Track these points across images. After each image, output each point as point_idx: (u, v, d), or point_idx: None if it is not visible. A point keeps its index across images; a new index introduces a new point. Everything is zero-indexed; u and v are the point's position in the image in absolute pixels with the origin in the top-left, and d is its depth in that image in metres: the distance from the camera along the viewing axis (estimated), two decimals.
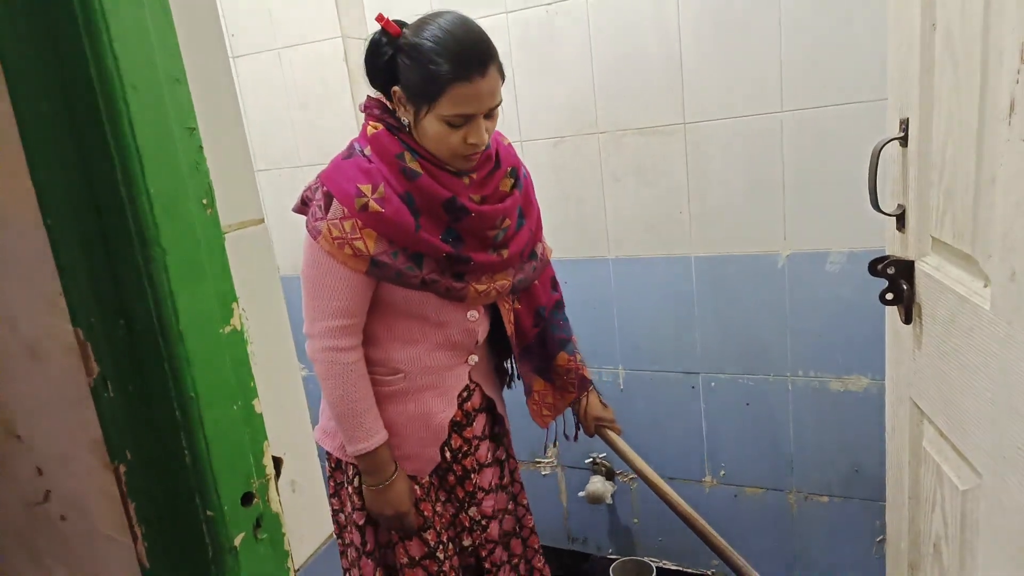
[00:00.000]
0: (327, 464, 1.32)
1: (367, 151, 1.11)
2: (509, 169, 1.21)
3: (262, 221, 0.65)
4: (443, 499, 1.27)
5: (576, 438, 1.48)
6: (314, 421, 2.15)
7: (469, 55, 1.03)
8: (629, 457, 1.42)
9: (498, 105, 1.10)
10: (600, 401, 1.43)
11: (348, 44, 1.78)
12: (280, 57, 1.85)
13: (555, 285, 1.40)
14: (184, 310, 0.52)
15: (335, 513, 1.33)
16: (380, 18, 1.08)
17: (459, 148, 1.08)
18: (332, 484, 1.32)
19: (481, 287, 1.17)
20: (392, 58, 1.07)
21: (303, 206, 1.15)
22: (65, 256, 0.51)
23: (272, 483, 0.61)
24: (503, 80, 1.10)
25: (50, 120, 0.49)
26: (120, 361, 0.52)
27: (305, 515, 0.68)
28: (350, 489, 1.25)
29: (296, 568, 0.65)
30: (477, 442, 1.29)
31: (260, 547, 0.58)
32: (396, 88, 1.09)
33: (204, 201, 0.55)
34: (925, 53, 0.81)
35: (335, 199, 1.08)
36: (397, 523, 1.20)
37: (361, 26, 1.83)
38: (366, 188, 1.07)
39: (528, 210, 1.26)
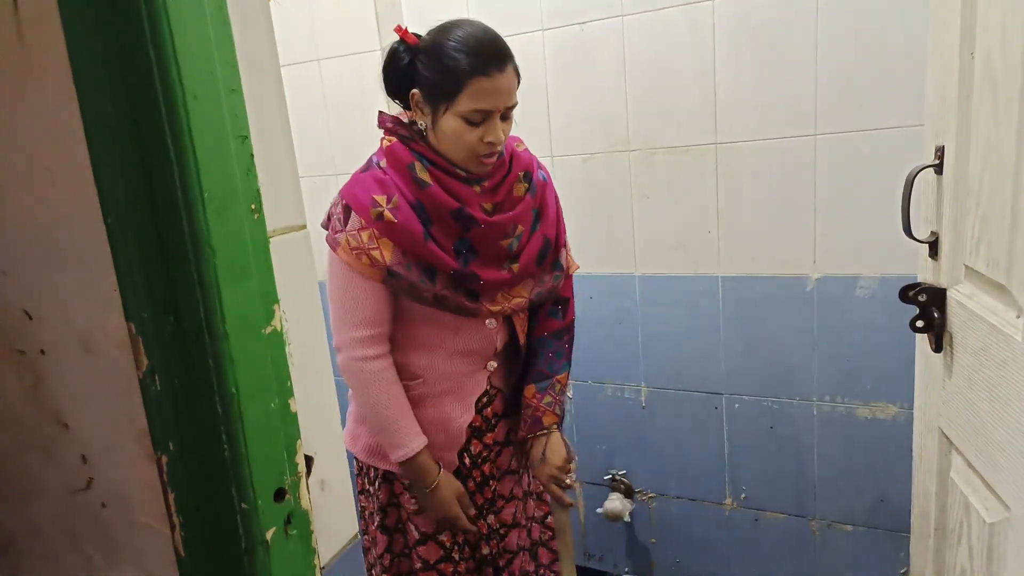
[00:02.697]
0: (354, 465, 1.34)
1: (382, 163, 1.14)
2: (522, 174, 1.20)
3: (304, 227, 0.67)
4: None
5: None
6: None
7: (489, 51, 1.06)
8: (564, 538, 1.37)
9: (514, 106, 1.12)
10: (559, 445, 1.28)
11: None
12: (320, 67, 1.90)
13: (563, 309, 1.31)
14: (230, 309, 0.54)
15: (361, 511, 1.35)
16: (399, 29, 1.12)
17: (476, 147, 1.09)
18: (361, 482, 1.35)
19: (495, 308, 1.18)
20: (410, 63, 1.10)
21: (328, 221, 1.17)
22: (121, 254, 0.53)
23: (303, 481, 0.62)
24: (519, 82, 1.12)
25: (115, 125, 0.52)
26: (168, 356, 0.54)
27: (333, 514, 0.70)
28: (371, 490, 1.28)
29: (322, 565, 0.66)
30: (499, 448, 1.29)
31: (290, 543, 0.60)
32: (415, 91, 1.11)
33: (252, 206, 0.57)
34: (963, 81, 0.81)
35: (353, 211, 1.11)
36: (449, 525, 1.22)
37: None
38: (381, 199, 1.10)
39: (544, 213, 1.23)
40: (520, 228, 1.18)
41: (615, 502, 1.87)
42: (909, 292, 0.89)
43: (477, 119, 1.07)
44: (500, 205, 1.17)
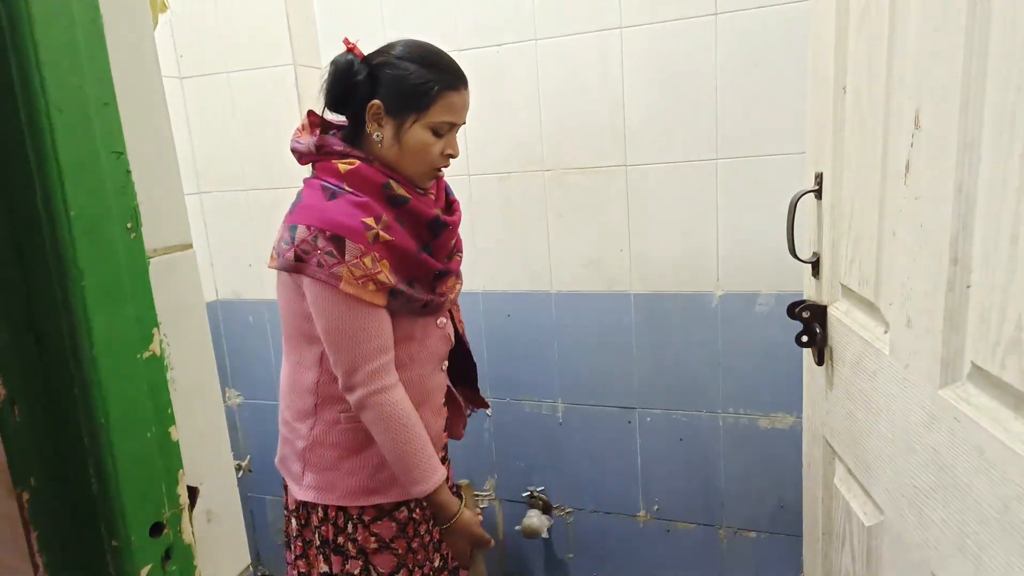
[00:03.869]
0: (296, 521, 1.27)
1: (346, 187, 1.10)
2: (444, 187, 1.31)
3: (190, 246, 0.64)
4: (422, 532, 1.26)
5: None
6: (253, 453, 2.09)
7: (456, 69, 1.15)
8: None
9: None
10: None
11: (300, 72, 1.78)
12: (230, 80, 1.84)
13: None
14: (100, 333, 0.51)
15: (306, 571, 1.28)
16: (347, 42, 1.14)
17: (436, 160, 1.15)
18: (300, 544, 1.27)
19: (452, 295, 1.25)
20: (369, 76, 1.12)
21: (298, 262, 1.07)
22: None
23: (185, 513, 0.59)
24: None
25: None
26: (29, 384, 0.50)
27: (220, 547, 0.67)
28: (341, 539, 1.22)
29: None
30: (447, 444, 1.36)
31: None
32: (375, 102, 1.12)
33: (128, 225, 0.54)
34: (837, 113, 0.87)
35: (347, 240, 1.06)
36: (473, 544, 1.23)
37: (313, 54, 1.84)
38: (370, 221, 1.08)
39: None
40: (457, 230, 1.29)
41: (533, 519, 1.88)
42: (795, 309, 0.94)
43: (444, 130, 1.14)
44: (443, 210, 1.24)
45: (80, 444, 0.51)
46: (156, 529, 0.55)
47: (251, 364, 2.02)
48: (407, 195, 1.13)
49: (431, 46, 1.15)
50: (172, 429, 0.58)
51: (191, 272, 0.64)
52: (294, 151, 1.17)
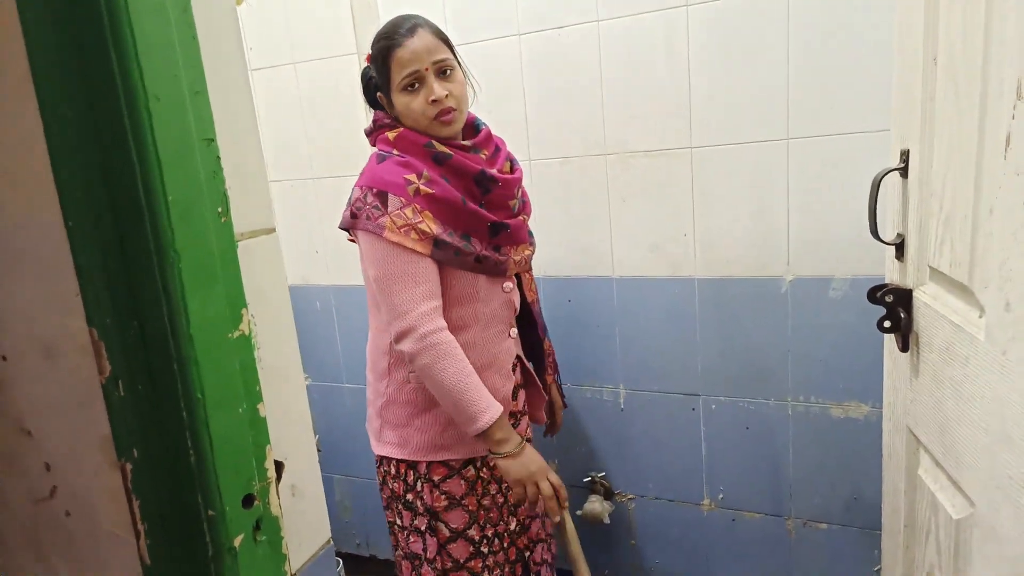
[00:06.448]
0: (378, 476, 1.35)
1: (395, 152, 1.20)
2: (508, 158, 1.34)
3: (274, 230, 0.66)
4: (492, 491, 1.30)
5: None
6: (325, 428, 2.16)
7: (395, 26, 1.20)
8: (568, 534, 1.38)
9: (445, 62, 1.19)
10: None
11: (363, 61, 1.81)
12: (296, 71, 1.89)
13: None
14: (195, 314, 0.53)
15: (389, 525, 1.36)
16: (368, 59, 1.27)
17: (427, 110, 1.18)
18: (385, 496, 1.35)
19: (517, 257, 1.28)
20: (371, 77, 1.26)
21: (353, 219, 1.19)
22: (83, 257, 0.53)
23: (273, 486, 0.62)
24: (446, 44, 1.22)
25: (75, 127, 0.51)
26: (132, 361, 0.53)
27: (304, 519, 0.69)
28: (411, 496, 1.28)
29: (293, 572, 0.65)
30: (520, 416, 1.36)
31: (259, 549, 0.59)
32: (379, 94, 1.24)
33: (219, 210, 0.56)
34: (927, 85, 0.82)
35: (389, 194, 1.15)
36: (534, 489, 1.21)
37: None
38: (411, 176, 1.17)
39: (524, 195, 1.38)
40: (518, 191, 1.31)
41: (595, 504, 1.88)
42: (877, 293, 0.90)
43: (413, 84, 1.18)
44: (500, 171, 1.28)
45: (178, 419, 0.54)
46: (248, 501, 0.57)
47: (319, 347, 2.09)
48: (449, 152, 1.19)
49: (392, 20, 1.22)
50: (260, 406, 0.60)
51: (275, 255, 0.66)
52: (365, 133, 1.30)
